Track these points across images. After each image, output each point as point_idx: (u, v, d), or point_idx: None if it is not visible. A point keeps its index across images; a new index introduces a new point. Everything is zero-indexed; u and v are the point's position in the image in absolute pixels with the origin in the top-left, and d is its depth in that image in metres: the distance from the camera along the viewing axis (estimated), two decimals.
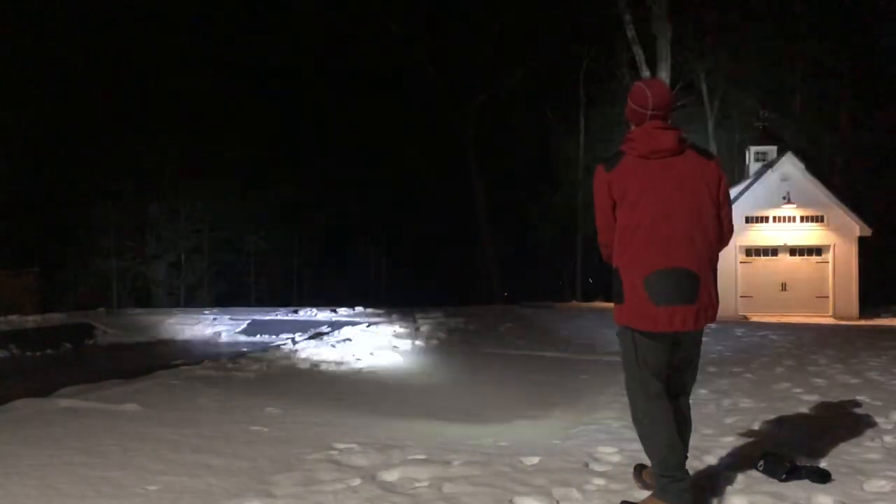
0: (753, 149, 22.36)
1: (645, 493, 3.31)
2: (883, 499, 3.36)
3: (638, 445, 4.19)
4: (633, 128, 3.23)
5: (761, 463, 3.68)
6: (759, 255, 20.74)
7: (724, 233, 3.23)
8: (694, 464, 3.68)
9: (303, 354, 8.61)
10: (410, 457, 4.05)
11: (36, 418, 5.07)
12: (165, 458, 4.03)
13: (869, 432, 4.53)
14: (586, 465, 3.92)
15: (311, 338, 10.91)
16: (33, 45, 25.20)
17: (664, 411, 3.12)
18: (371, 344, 9.67)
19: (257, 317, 15.50)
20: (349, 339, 10.15)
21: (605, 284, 31.32)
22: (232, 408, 5.60)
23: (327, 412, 5.51)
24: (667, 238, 3.05)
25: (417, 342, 9.98)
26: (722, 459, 3.96)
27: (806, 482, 3.52)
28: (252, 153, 33.27)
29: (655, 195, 3.07)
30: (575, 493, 3.44)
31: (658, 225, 3.05)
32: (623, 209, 3.11)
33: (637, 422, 3.22)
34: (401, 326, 12.00)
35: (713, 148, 24.77)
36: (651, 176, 3.08)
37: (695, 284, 3.07)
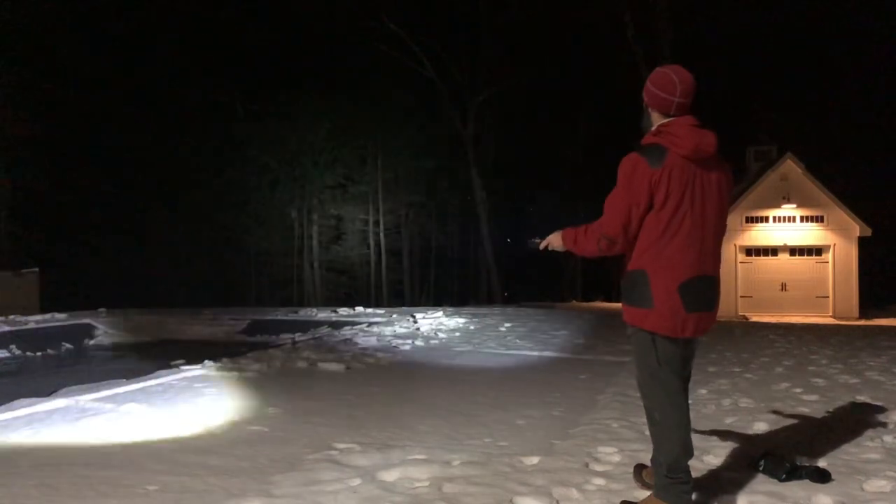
0: (753, 149, 22.39)
1: (645, 493, 3.31)
2: (883, 499, 3.36)
3: (638, 445, 4.21)
4: (654, 116, 3.13)
5: (761, 463, 3.68)
6: (759, 255, 20.76)
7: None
8: (694, 464, 3.67)
9: (303, 354, 8.60)
10: (410, 457, 4.05)
11: (36, 418, 5.07)
12: (165, 459, 4.04)
13: (869, 432, 4.54)
14: (586, 465, 3.92)
15: (311, 338, 10.90)
16: (33, 44, 25.19)
17: (683, 412, 3.12)
18: (371, 344, 9.67)
19: (257, 317, 15.49)
20: (349, 340, 10.15)
21: (604, 284, 31.38)
22: (232, 408, 5.60)
23: (327, 412, 5.51)
24: (701, 245, 3.03)
25: (417, 342, 9.98)
26: (722, 459, 3.97)
27: (806, 482, 3.52)
28: (250, 153, 33.26)
29: (694, 200, 3.00)
30: (575, 493, 3.44)
31: (695, 231, 3.01)
32: (664, 210, 2.98)
33: (652, 421, 3.19)
34: (401, 326, 12.00)
35: None
36: (693, 179, 3.00)
37: (717, 290, 3.15)
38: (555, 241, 3.35)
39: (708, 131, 3.04)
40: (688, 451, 3.10)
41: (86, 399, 5.72)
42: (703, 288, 3.04)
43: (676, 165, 2.98)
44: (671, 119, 3.07)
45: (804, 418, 5.04)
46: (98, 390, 6.13)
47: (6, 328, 12.84)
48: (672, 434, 3.09)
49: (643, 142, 3.09)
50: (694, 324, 3.04)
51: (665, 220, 2.99)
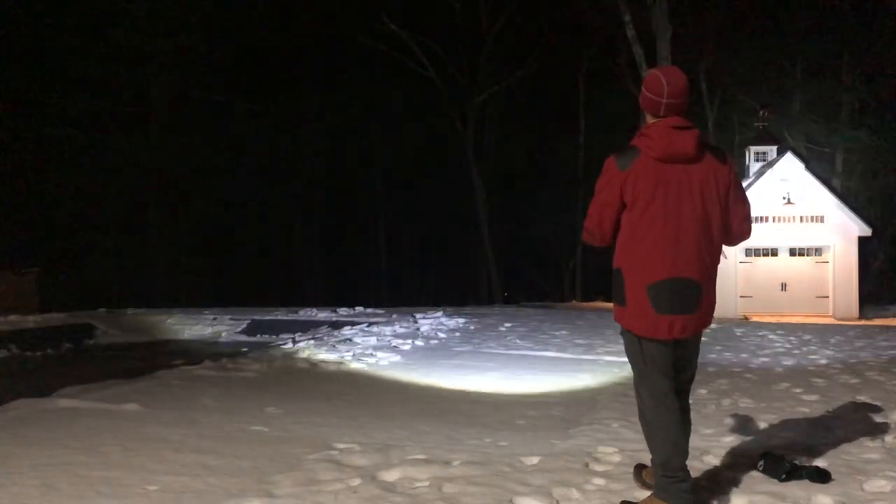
0: (753, 149, 22.40)
1: (645, 493, 3.31)
2: (883, 499, 3.36)
3: (638, 445, 4.20)
4: (647, 118, 3.12)
5: (761, 463, 3.68)
6: (759, 255, 20.76)
7: (734, 234, 3.19)
8: (694, 464, 3.68)
9: (303, 354, 8.60)
10: (410, 457, 4.05)
11: (36, 418, 5.07)
12: (165, 458, 4.03)
13: (869, 432, 4.53)
14: (586, 465, 3.92)
15: (311, 338, 10.90)
16: (34, 43, 25.22)
17: (672, 410, 3.10)
18: (371, 344, 9.67)
19: (257, 317, 15.47)
20: (349, 339, 10.14)
21: (605, 284, 31.38)
22: (232, 408, 5.59)
23: (327, 412, 5.51)
24: (675, 247, 3.00)
25: (417, 342, 9.98)
26: (722, 459, 3.96)
27: (806, 482, 3.52)
28: (250, 153, 33.34)
29: (668, 201, 2.99)
30: (575, 493, 3.44)
31: (667, 232, 2.99)
32: (633, 212, 3.02)
33: (643, 420, 3.19)
34: (401, 326, 11.99)
35: None
36: (666, 181, 2.99)
37: (697, 295, 3.05)
38: None
39: (687, 133, 3.01)
40: (681, 451, 3.09)
41: None
42: (676, 290, 3.00)
43: (646, 167, 2.99)
44: (655, 120, 3.07)
45: (804, 418, 5.04)
46: (92, 391, 6.12)
47: (6, 328, 12.84)
48: (662, 433, 3.09)
49: (630, 143, 3.11)
50: (667, 326, 3.02)
51: (634, 221, 3.02)
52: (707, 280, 3.10)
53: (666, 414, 3.10)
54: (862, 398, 5.66)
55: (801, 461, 3.78)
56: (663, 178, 2.99)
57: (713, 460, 3.94)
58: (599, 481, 3.62)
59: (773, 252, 20.72)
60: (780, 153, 21.04)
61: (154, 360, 10.17)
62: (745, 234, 3.22)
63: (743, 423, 4.85)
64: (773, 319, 16.92)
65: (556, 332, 11.25)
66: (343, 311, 16.35)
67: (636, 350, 3.13)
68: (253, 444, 4.39)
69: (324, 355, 8.52)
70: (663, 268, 3.00)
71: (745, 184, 21.12)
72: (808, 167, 20.52)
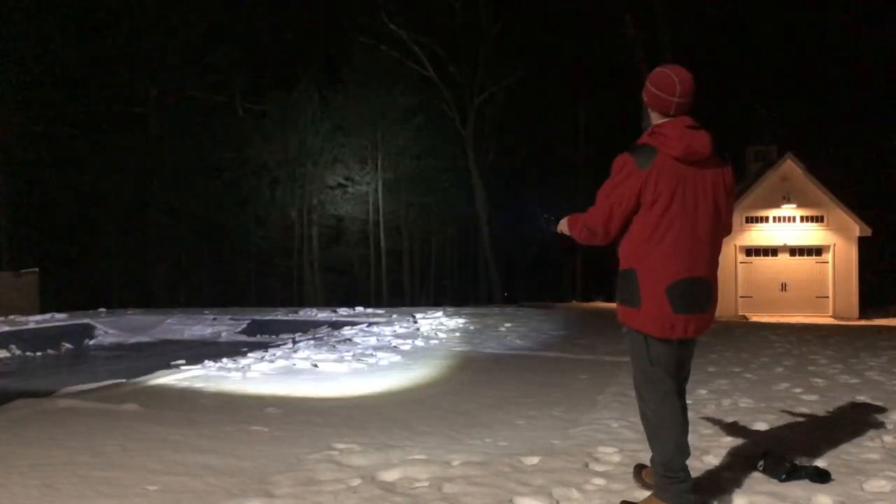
0: (753, 149, 22.42)
1: (645, 493, 3.31)
2: (883, 499, 3.36)
3: (638, 445, 4.20)
4: (654, 117, 3.10)
5: (761, 463, 3.68)
6: (759, 255, 20.78)
7: (727, 233, 3.23)
8: (694, 464, 3.68)
9: (303, 354, 8.60)
10: (410, 457, 4.05)
11: (36, 418, 5.08)
12: (165, 458, 4.03)
13: (869, 432, 4.53)
14: (586, 465, 3.91)
15: (311, 338, 10.91)
16: (32, 42, 25.22)
17: (675, 411, 3.10)
18: (371, 344, 9.67)
19: (257, 317, 15.49)
20: (349, 340, 10.15)
21: (604, 284, 31.39)
22: (232, 408, 5.60)
23: (327, 412, 5.51)
24: (691, 247, 3.00)
25: (417, 342, 9.97)
26: (722, 459, 3.96)
27: (806, 482, 3.52)
28: (250, 153, 33.32)
29: (685, 202, 2.98)
30: (575, 493, 3.44)
31: (685, 233, 2.99)
32: (651, 212, 2.98)
33: (646, 420, 3.19)
34: (401, 326, 11.99)
35: None
36: (684, 181, 2.98)
37: (710, 293, 3.09)
38: (562, 224, 3.35)
39: (702, 132, 3.01)
40: (682, 451, 3.09)
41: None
42: (692, 290, 3.01)
43: (666, 167, 2.96)
44: (667, 119, 3.06)
45: (804, 418, 5.04)
46: (92, 391, 6.12)
47: (6, 328, 12.85)
48: (665, 433, 3.09)
49: (638, 142, 3.08)
50: (683, 325, 3.02)
51: (654, 221, 2.99)
52: (714, 278, 3.13)
53: (668, 414, 3.10)
54: (862, 398, 5.67)
55: (801, 461, 3.78)
56: (681, 177, 2.98)
57: (713, 460, 3.94)
58: (599, 481, 3.62)
59: (773, 252, 20.73)
60: (781, 153, 21.06)
61: (154, 360, 10.18)
62: (729, 232, 3.29)
63: (743, 423, 4.85)
64: (773, 319, 16.93)
65: (556, 333, 11.26)
66: (343, 311, 16.36)
67: (642, 350, 3.11)
68: (253, 444, 4.39)
69: (324, 355, 8.52)
70: (682, 268, 3.00)
71: (745, 184, 21.18)
72: (809, 167, 20.54)
